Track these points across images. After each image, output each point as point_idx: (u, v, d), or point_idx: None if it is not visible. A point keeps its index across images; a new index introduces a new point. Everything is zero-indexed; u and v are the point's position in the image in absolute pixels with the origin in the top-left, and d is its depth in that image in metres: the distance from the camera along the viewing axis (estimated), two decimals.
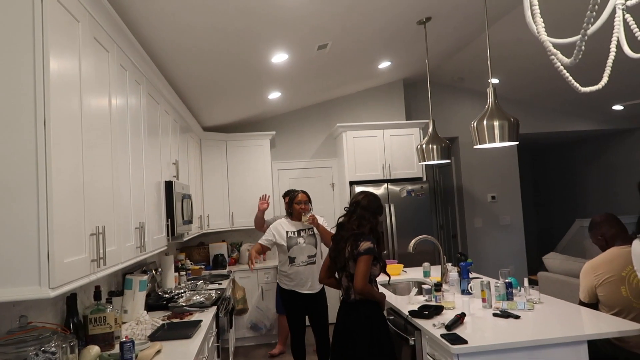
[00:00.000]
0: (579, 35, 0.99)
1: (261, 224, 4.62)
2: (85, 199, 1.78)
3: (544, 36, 1.06)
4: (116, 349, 2.22)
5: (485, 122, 2.92)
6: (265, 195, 4.83)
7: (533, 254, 7.91)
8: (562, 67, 1.11)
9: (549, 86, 6.05)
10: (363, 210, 2.78)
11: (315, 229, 3.74)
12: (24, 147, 1.49)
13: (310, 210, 3.82)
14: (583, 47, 0.98)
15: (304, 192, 3.88)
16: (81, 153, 1.78)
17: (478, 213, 6.67)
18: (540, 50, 4.86)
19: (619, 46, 1.18)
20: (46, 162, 1.50)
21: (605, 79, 1.19)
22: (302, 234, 3.73)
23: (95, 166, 1.93)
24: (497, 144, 2.93)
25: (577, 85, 1.18)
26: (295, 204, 3.78)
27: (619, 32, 1.11)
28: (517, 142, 2.96)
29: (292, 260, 3.67)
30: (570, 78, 1.16)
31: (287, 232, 3.73)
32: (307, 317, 3.79)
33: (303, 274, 3.66)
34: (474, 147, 3.06)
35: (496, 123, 2.90)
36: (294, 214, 3.78)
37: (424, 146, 4.05)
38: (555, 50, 1.03)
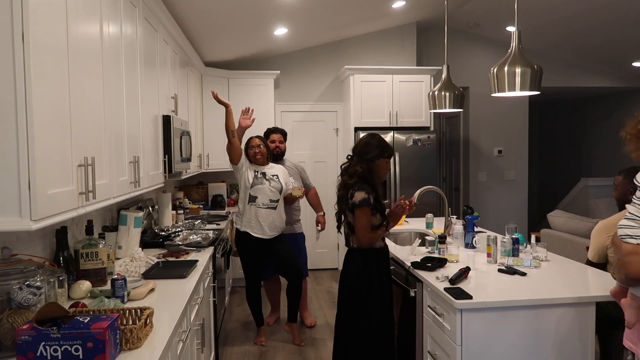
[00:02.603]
0: None
1: (239, 154, 3.55)
2: (72, 127, 1.63)
3: None
4: (108, 285, 2.15)
5: (506, 69, 2.72)
6: (249, 108, 3.68)
7: (533, 210, 7.86)
8: None
9: (564, 32, 5.70)
10: (357, 157, 2.64)
11: (280, 178, 3.63)
12: None
13: (269, 156, 3.69)
14: None
15: (258, 136, 3.70)
16: (67, 78, 1.61)
17: (483, 167, 6.55)
18: None
19: None
20: (25, 82, 1.34)
21: None
22: (267, 177, 3.59)
23: (84, 94, 1.77)
24: (517, 93, 2.74)
25: None
26: (250, 149, 3.60)
27: None
28: (539, 92, 2.77)
29: (252, 199, 3.54)
30: None
31: (255, 171, 3.58)
32: (275, 266, 3.79)
33: (261, 216, 3.53)
34: (492, 95, 2.88)
35: (518, 70, 2.70)
36: (252, 161, 3.61)
37: (436, 93, 3.86)
38: None
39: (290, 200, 3.76)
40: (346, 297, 2.65)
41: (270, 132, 4.06)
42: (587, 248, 2.93)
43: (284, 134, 4.09)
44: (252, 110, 3.67)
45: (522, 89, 2.70)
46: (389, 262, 2.71)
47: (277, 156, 3.95)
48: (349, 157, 2.73)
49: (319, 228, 4.13)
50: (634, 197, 1.70)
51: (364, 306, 2.55)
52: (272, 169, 3.68)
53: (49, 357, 1.35)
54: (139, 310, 1.69)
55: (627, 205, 1.73)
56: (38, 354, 1.34)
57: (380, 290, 2.56)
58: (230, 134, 3.47)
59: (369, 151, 2.62)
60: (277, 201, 3.59)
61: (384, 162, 2.66)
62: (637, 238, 1.62)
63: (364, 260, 2.59)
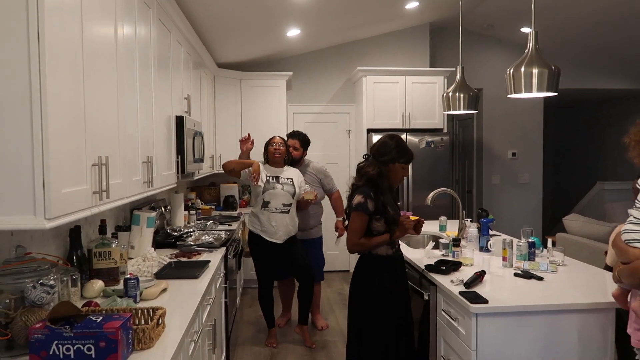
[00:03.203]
0: None
1: (237, 172, 3.56)
2: (86, 126, 1.63)
3: None
4: (121, 285, 2.15)
5: (522, 69, 2.67)
6: (248, 135, 3.78)
7: (547, 214, 7.75)
8: None
9: (578, 32, 5.59)
10: (372, 158, 2.53)
11: (294, 182, 3.61)
12: (15, 61, 1.33)
13: (286, 159, 3.68)
14: None
15: (280, 137, 3.73)
16: (82, 79, 1.61)
17: (496, 169, 6.47)
18: None
19: None
20: (40, 81, 1.34)
21: None
22: (280, 180, 3.57)
23: (99, 94, 1.77)
24: (534, 94, 2.70)
25: None
26: (270, 145, 3.63)
27: None
28: (556, 94, 2.72)
29: (265, 204, 3.53)
30: None
31: (267, 175, 3.57)
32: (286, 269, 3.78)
33: (274, 221, 3.52)
34: (508, 96, 2.83)
35: (535, 71, 2.65)
36: (270, 159, 3.63)
37: (450, 94, 3.81)
38: None
39: (303, 205, 3.74)
40: (352, 301, 2.59)
41: (288, 136, 4.01)
42: (605, 253, 2.88)
43: (302, 140, 3.94)
44: (249, 134, 3.73)
45: (539, 90, 2.65)
46: (399, 269, 2.58)
47: (293, 162, 3.88)
48: (366, 156, 2.64)
49: (338, 234, 4.08)
50: (636, 201, 1.68)
51: (368, 311, 2.48)
52: (287, 171, 3.67)
53: (61, 356, 1.34)
54: (151, 310, 1.68)
55: (629, 210, 1.72)
56: (51, 353, 1.34)
57: (385, 296, 2.46)
58: (229, 168, 3.52)
59: (385, 153, 2.48)
60: (290, 205, 3.58)
61: (400, 167, 2.49)
62: None
63: (368, 266, 2.51)
